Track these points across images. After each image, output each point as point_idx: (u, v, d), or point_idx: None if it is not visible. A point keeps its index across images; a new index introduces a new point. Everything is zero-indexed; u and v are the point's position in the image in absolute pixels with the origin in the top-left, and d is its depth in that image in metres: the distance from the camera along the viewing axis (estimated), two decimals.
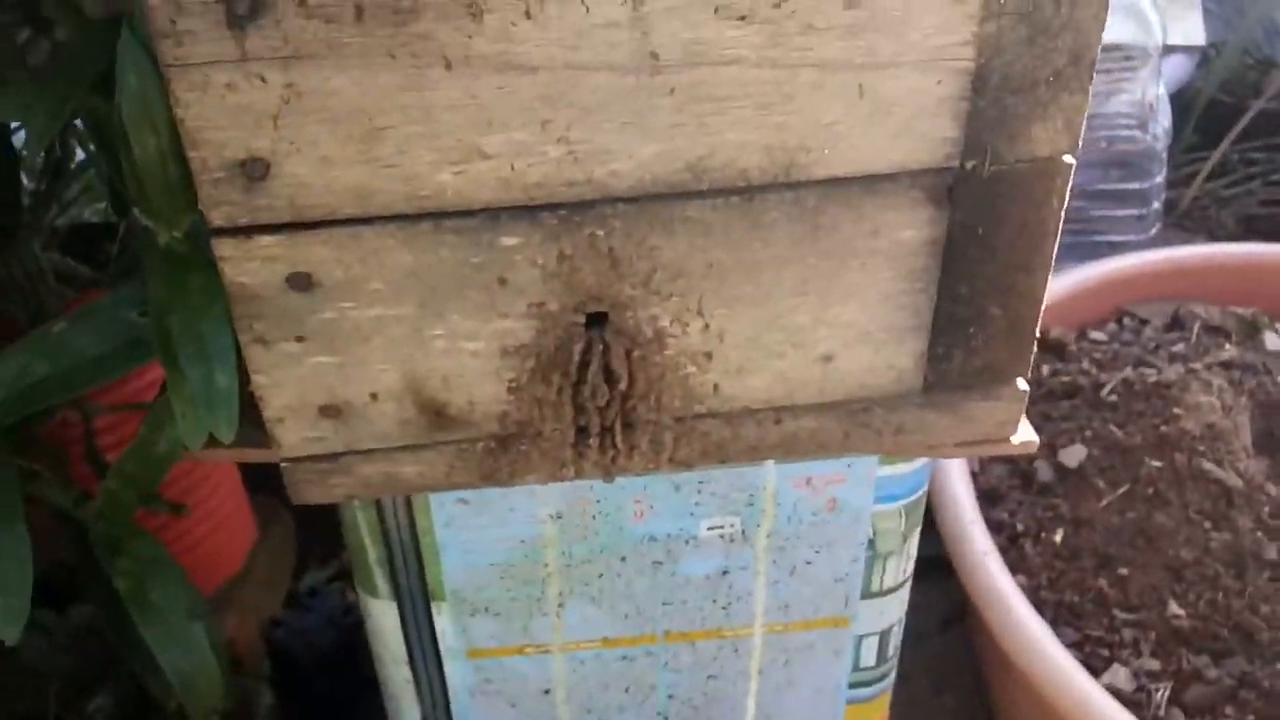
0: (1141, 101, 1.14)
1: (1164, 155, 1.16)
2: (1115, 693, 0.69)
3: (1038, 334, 0.44)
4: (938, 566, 0.78)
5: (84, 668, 0.66)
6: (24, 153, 0.58)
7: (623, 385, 0.43)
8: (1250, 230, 1.33)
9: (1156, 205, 1.19)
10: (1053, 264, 0.43)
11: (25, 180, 0.66)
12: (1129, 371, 0.91)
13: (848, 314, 0.43)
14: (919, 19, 0.36)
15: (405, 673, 0.56)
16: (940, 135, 0.39)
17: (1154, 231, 1.20)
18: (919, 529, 0.56)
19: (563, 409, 0.43)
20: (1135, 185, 1.17)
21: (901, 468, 0.52)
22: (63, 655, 0.65)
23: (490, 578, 0.52)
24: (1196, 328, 0.98)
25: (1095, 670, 0.72)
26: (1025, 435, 0.48)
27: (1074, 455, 0.85)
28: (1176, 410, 0.85)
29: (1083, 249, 1.13)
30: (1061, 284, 0.99)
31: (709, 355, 0.43)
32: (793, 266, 0.41)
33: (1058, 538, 0.81)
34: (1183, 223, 1.35)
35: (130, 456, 0.48)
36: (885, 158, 0.39)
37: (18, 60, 0.49)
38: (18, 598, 0.41)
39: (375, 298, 0.40)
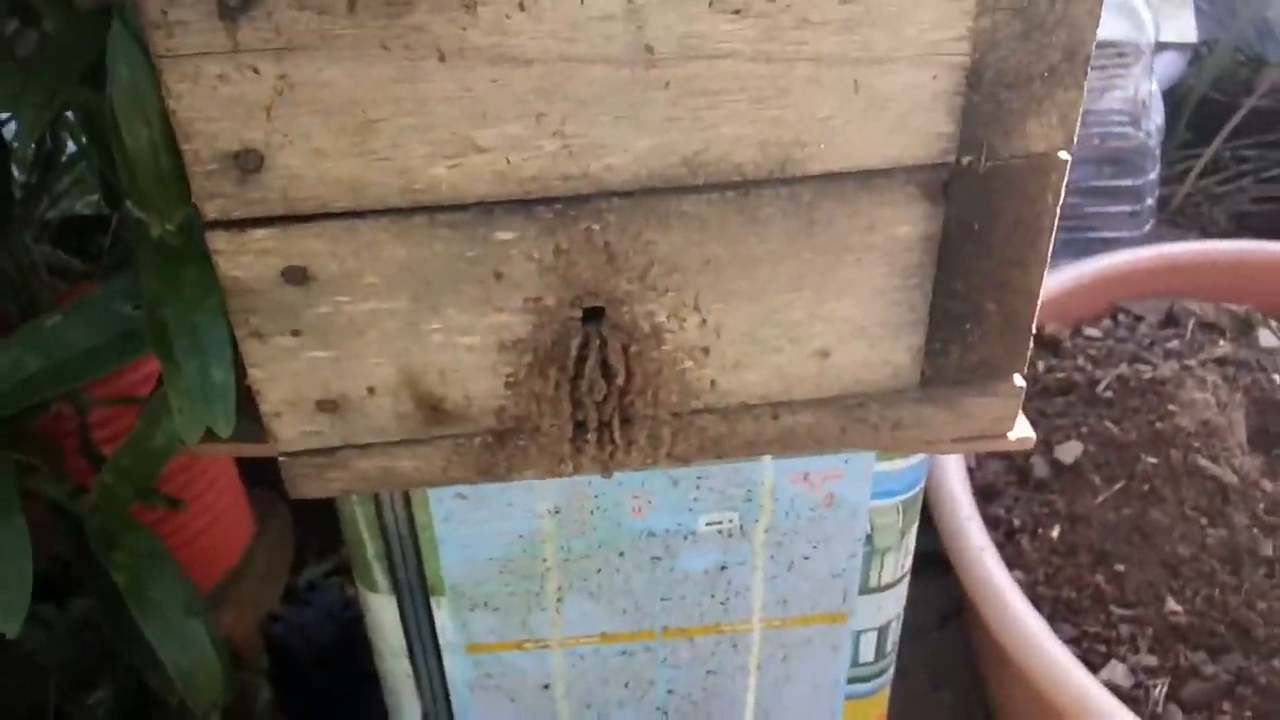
0: (1134, 98, 1.14)
1: (1157, 152, 1.17)
2: (1113, 689, 0.69)
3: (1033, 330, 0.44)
4: (935, 562, 0.78)
5: (84, 661, 0.65)
6: (15, 145, 0.58)
7: (620, 380, 0.43)
8: (1242, 227, 1.34)
9: (1150, 202, 1.19)
10: (1048, 260, 0.43)
11: (16, 173, 0.66)
12: (1124, 368, 0.91)
13: (843, 309, 0.43)
14: (914, 14, 0.36)
15: (405, 667, 0.56)
16: (935, 131, 0.39)
17: (1147, 228, 1.20)
18: (916, 524, 0.56)
19: (560, 404, 0.43)
20: (1128, 182, 1.17)
21: (899, 463, 0.52)
22: (62, 648, 0.65)
23: (489, 572, 0.52)
24: (1191, 324, 0.98)
25: (1093, 666, 0.72)
26: (1022, 431, 0.48)
27: (1070, 451, 0.85)
28: (1171, 407, 0.85)
29: (1077, 245, 1.13)
30: (1056, 280, 0.99)
31: (706, 350, 0.43)
32: (788, 262, 0.41)
33: (1054, 534, 0.81)
34: (1175, 220, 1.35)
35: (126, 450, 0.48)
36: (880, 153, 0.39)
37: (5, 52, 0.49)
38: (17, 592, 0.41)
39: (370, 291, 0.40)
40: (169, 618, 0.51)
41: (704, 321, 0.43)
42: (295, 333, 0.40)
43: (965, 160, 0.39)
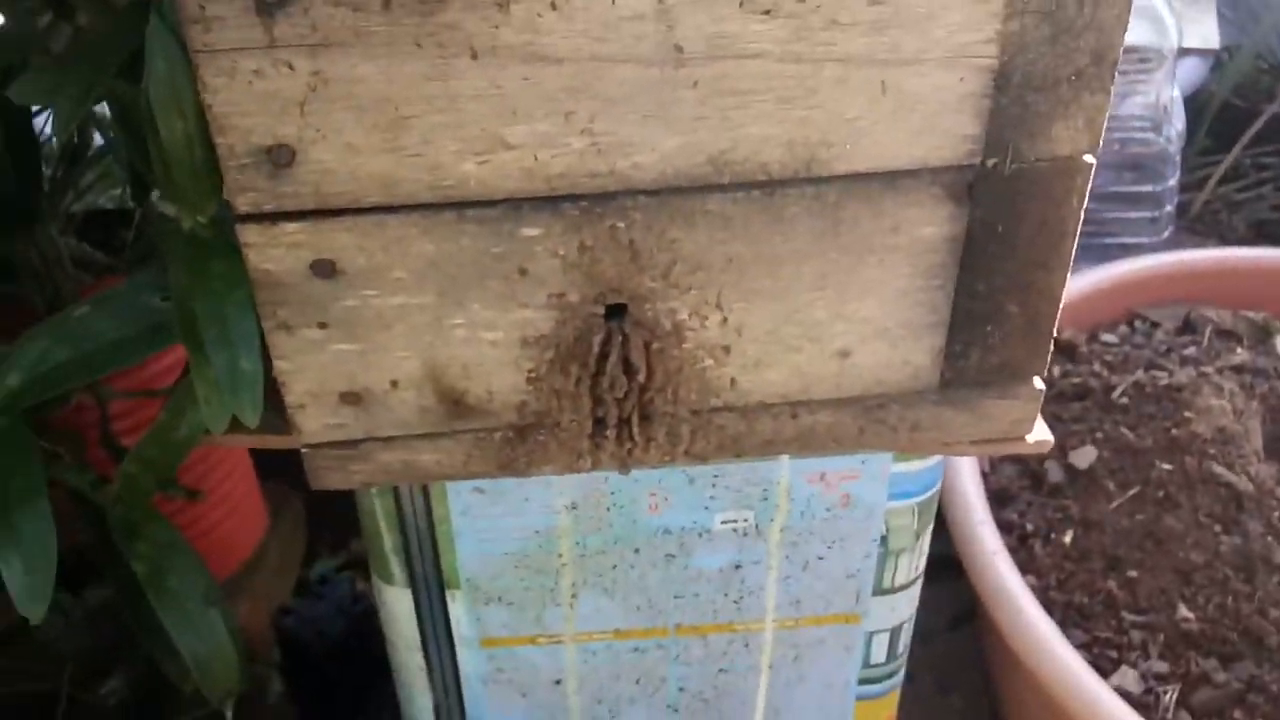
0: (1156, 104, 1.14)
1: (1177, 158, 1.16)
2: (1124, 694, 0.69)
3: None
4: (946, 566, 0.78)
5: (98, 649, 0.66)
6: (51, 138, 0.58)
7: (641, 377, 0.43)
8: (1261, 235, 1.33)
9: (1169, 208, 1.18)
10: (1071, 263, 0.43)
11: (43, 166, 0.66)
12: (1140, 374, 0.91)
13: (865, 309, 0.43)
14: (943, 16, 0.36)
15: (418, 660, 0.56)
16: (962, 132, 0.39)
17: (1166, 234, 1.20)
18: (931, 527, 0.56)
19: (581, 400, 0.44)
20: (1148, 188, 1.17)
21: (915, 465, 0.52)
22: (78, 636, 0.66)
23: (504, 567, 0.53)
24: (1208, 331, 0.98)
25: (1104, 672, 0.72)
26: (1041, 434, 0.48)
27: (1084, 457, 0.85)
28: (1187, 413, 0.85)
29: (1095, 251, 1.13)
30: (1074, 285, 0.99)
31: (727, 349, 0.44)
32: (812, 261, 0.41)
33: (1067, 539, 0.81)
34: (1194, 226, 1.34)
35: (150, 441, 0.48)
36: (907, 154, 0.39)
37: (40, 45, 0.50)
38: (43, 577, 0.41)
39: (398, 286, 0.40)
40: (188, 608, 0.51)
41: (725, 320, 0.43)
42: (322, 325, 0.41)
43: (991, 162, 0.39)
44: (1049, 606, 0.75)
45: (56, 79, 0.41)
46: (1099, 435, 0.87)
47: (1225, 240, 1.31)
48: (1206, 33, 1.27)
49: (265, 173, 0.37)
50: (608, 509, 0.52)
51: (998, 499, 0.86)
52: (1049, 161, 0.40)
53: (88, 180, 0.75)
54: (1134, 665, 0.74)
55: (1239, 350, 0.94)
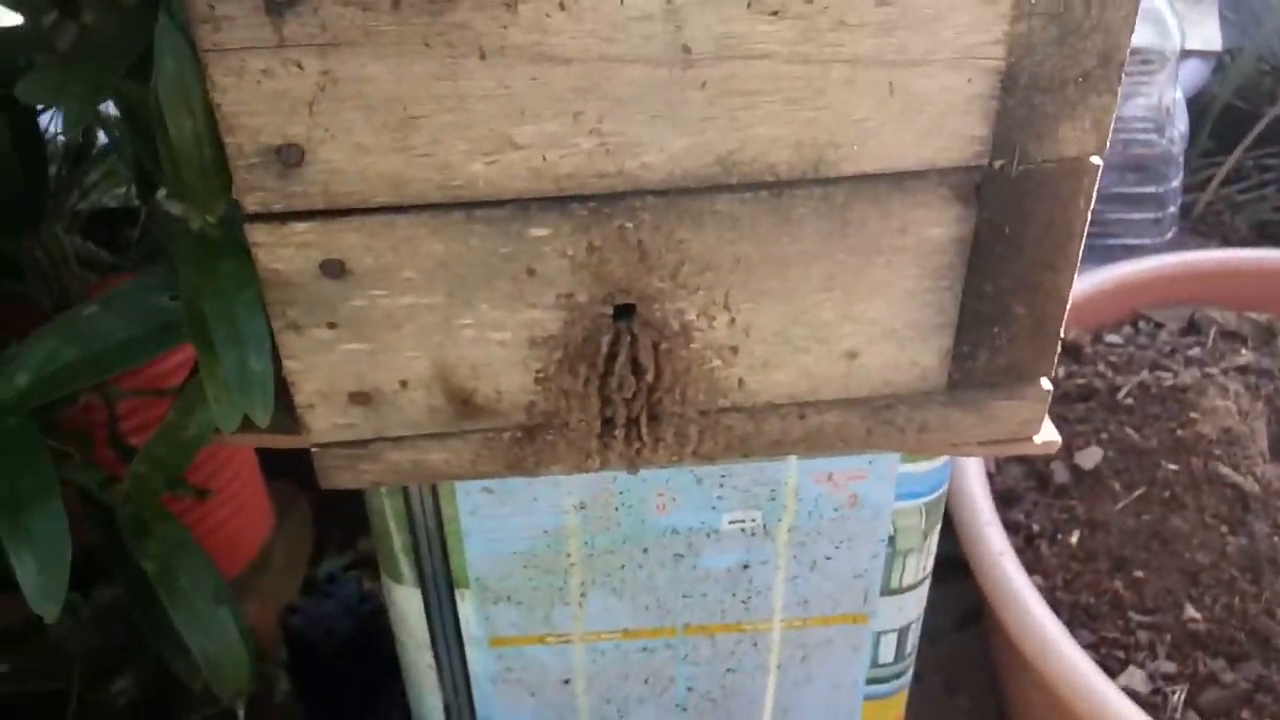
0: (1159, 105, 1.14)
1: (1180, 160, 1.16)
2: (1131, 695, 0.69)
3: None
4: (953, 566, 0.78)
5: (108, 649, 0.66)
6: (60, 137, 0.58)
7: (649, 377, 0.43)
8: (1263, 236, 1.33)
9: (1172, 209, 1.18)
10: (1078, 264, 0.43)
11: (48, 165, 0.66)
12: (1145, 375, 0.91)
13: (873, 310, 0.43)
14: (951, 17, 0.36)
15: (427, 659, 0.56)
16: (969, 134, 0.39)
17: (1169, 236, 1.20)
18: (939, 527, 0.56)
19: (589, 400, 0.44)
20: (1151, 189, 1.17)
21: (923, 465, 0.52)
22: (87, 636, 0.66)
23: (513, 566, 0.53)
24: (1213, 332, 0.98)
25: (1111, 672, 0.72)
26: (1048, 435, 0.48)
27: (1090, 457, 0.85)
28: (1193, 414, 0.85)
29: (1098, 252, 1.13)
30: (1078, 286, 0.98)
31: (734, 349, 0.44)
32: (820, 262, 0.41)
33: (1073, 539, 0.81)
34: (1197, 227, 1.34)
35: (159, 440, 0.48)
36: (914, 155, 0.39)
37: (45, 44, 0.50)
38: (57, 577, 0.41)
39: (406, 286, 0.40)
40: (198, 606, 0.52)
41: (733, 320, 0.43)
42: (331, 325, 0.41)
43: (998, 163, 0.39)
44: (1056, 607, 0.75)
45: (63, 78, 0.41)
46: (1104, 436, 0.87)
47: (1228, 241, 1.31)
48: (1209, 35, 1.27)
49: (274, 172, 0.37)
50: (616, 509, 0.52)
51: (1004, 500, 0.86)
52: (1056, 163, 0.40)
53: (92, 179, 0.76)
54: (1141, 665, 0.74)
55: (1243, 351, 0.94)
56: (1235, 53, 1.36)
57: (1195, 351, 0.95)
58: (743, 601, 0.56)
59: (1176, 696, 0.72)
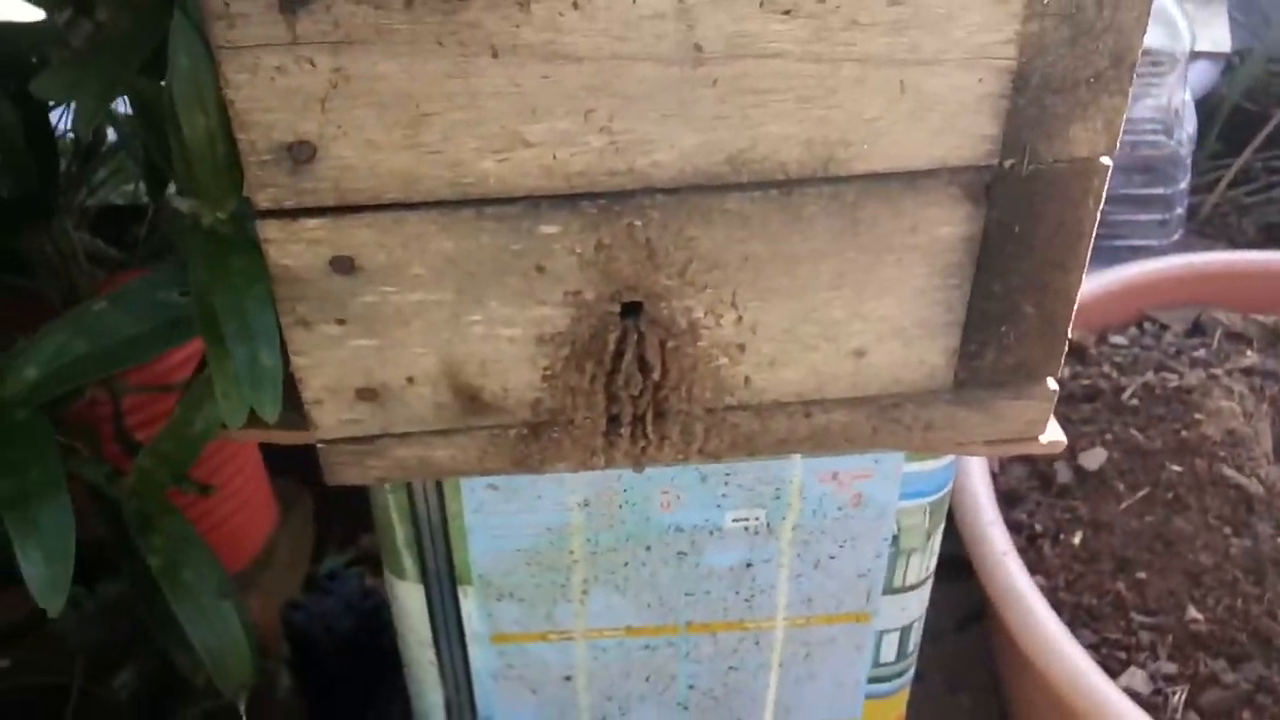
0: (1168, 107, 1.14)
1: (1188, 161, 1.16)
2: (1132, 695, 0.69)
3: None
4: (955, 566, 0.78)
5: (111, 643, 0.66)
6: (70, 134, 0.58)
7: (656, 375, 0.43)
8: (1271, 238, 1.33)
9: (1180, 211, 1.18)
10: (1086, 264, 0.43)
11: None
12: (1150, 376, 0.91)
13: (882, 309, 0.43)
14: (962, 16, 0.36)
15: (429, 655, 0.57)
16: (980, 133, 0.39)
17: (1176, 237, 1.20)
18: (943, 526, 0.56)
19: (595, 397, 0.44)
20: (1159, 190, 1.17)
21: (928, 464, 0.52)
22: (90, 630, 0.66)
23: (517, 563, 0.53)
24: (1218, 334, 0.98)
25: (1112, 672, 0.72)
26: (1054, 435, 0.48)
27: (1094, 458, 0.85)
28: (1197, 415, 0.85)
29: (1105, 253, 1.13)
30: (1084, 287, 0.98)
31: (741, 347, 0.44)
32: (829, 260, 0.42)
33: (1076, 540, 0.81)
34: (1203, 229, 1.34)
35: (166, 435, 0.48)
36: (925, 154, 0.39)
37: (59, 40, 0.50)
38: (62, 569, 0.41)
39: (416, 282, 0.40)
40: (202, 601, 0.52)
41: (741, 318, 0.43)
42: (340, 321, 0.41)
43: (1008, 163, 0.40)
44: (1058, 607, 0.75)
45: (78, 74, 0.42)
46: (1109, 437, 0.87)
47: (1235, 243, 1.31)
48: (1218, 36, 1.27)
49: (286, 169, 0.37)
50: (620, 506, 0.52)
51: (1007, 500, 0.86)
52: (1066, 163, 0.40)
53: (101, 176, 0.76)
54: (1143, 666, 0.74)
55: (1249, 353, 0.94)
56: (1244, 54, 1.35)
57: (1200, 353, 0.95)
58: (746, 600, 0.56)
59: (1177, 697, 0.72)
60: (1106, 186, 0.41)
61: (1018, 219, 0.41)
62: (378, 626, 0.82)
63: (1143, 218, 1.16)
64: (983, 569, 0.77)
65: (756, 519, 0.53)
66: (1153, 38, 1.08)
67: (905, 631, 0.59)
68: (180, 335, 0.45)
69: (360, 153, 0.37)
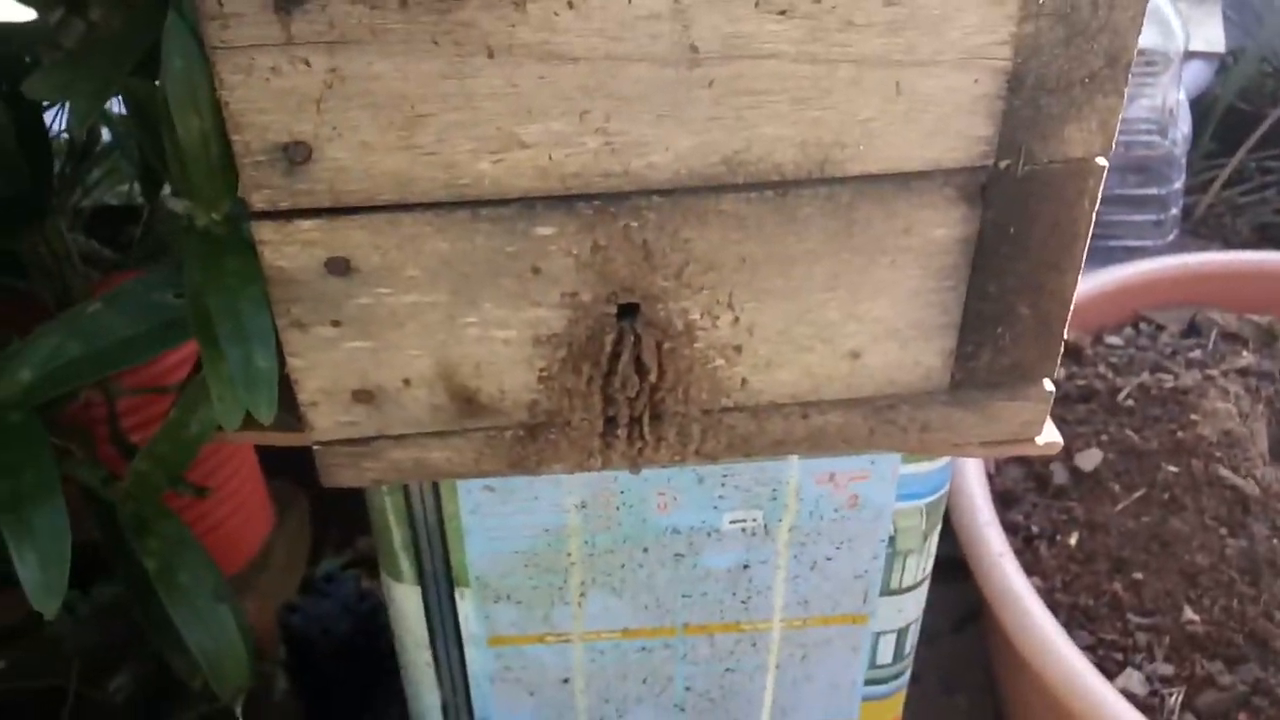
0: (1162, 107, 1.14)
1: (1183, 161, 1.16)
2: (1128, 696, 0.69)
3: None
4: (951, 567, 0.78)
5: (106, 646, 0.66)
6: (64, 134, 0.58)
7: (652, 377, 0.43)
8: (1265, 238, 1.34)
9: (1174, 211, 1.19)
10: (1082, 265, 0.43)
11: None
12: (1145, 376, 0.91)
13: (877, 310, 0.43)
14: (958, 17, 0.36)
15: (426, 657, 0.56)
16: (975, 134, 0.39)
17: (1171, 237, 1.20)
18: (939, 528, 0.56)
19: (592, 399, 0.44)
20: (1154, 190, 1.17)
21: (924, 466, 0.52)
22: (86, 633, 0.66)
23: (514, 565, 0.53)
24: (1214, 334, 0.98)
25: (1108, 674, 0.72)
26: (1050, 436, 0.48)
27: (1090, 459, 0.85)
28: (1193, 416, 0.85)
29: (1100, 253, 1.13)
30: (1079, 288, 0.99)
31: (738, 349, 0.44)
32: (824, 262, 0.41)
33: (1073, 541, 0.81)
34: (1198, 229, 1.35)
35: (161, 438, 0.48)
36: (920, 155, 0.39)
37: (51, 40, 0.50)
38: (57, 572, 0.41)
39: (411, 284, 0.40)
40: (198, 604, 0.52)
41: (737, 320, 0.43)
42: (336, 323, 0.41)
43: (1003, 164, 0.40)
44: (1054, 608, 0.75)
45: (70, 75, 0.41)
46: (1104, 438, 0.87)
47: (1229, 243, 1.32)
48: (1212, 36, 1.27)
49: (281, 170, 0.37)
50: (617, 508, 0.52)
51: (1003, 501, 0.86)
52: (1061, 163, 0.40)
53: (95, 177, 0.76)
54: (1139, 667, 0.74)
55: (1244, 353, 0.94)
56: (1238, 54, 1.36)
57: (1196, 353, 0.95)
58: (742, 601, 0.56)
59: (1174, 699, 0.72)
60: (1102, 187, 0.41)
61: (1013, 220, 0.41)
62: (374, 629, 0.82)
63: (1137, 218, 1.16)
64: (979, 570, 0.77)
65: (753, 520, 0.53)
66: (1147, 37, 1.08)
67: (902, 633, 0.59)
68: (175, 337, 0.45)
69: (355, 154, 0.37)
